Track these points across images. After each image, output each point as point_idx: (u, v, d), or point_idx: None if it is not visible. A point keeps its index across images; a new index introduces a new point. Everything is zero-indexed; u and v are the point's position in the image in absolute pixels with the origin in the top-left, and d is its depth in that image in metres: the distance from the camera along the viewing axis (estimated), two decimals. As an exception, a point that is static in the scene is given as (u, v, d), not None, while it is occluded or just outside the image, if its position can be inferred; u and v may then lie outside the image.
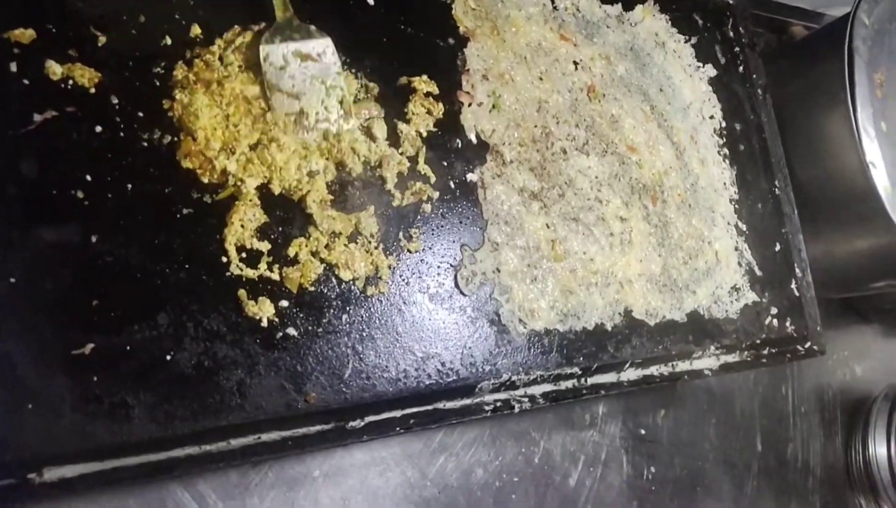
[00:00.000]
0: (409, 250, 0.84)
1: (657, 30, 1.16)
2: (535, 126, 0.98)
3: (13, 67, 0.69)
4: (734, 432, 1.30)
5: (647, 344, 0.98)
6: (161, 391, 0.68)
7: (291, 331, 0.75)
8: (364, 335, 0.79)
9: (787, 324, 1.17)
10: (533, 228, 0.93)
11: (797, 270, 1.20)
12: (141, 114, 0.73)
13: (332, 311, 0.78)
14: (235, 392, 0.71)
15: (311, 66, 0.78)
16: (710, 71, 1.21)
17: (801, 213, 1.23)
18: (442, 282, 0.86)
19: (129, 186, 0.71)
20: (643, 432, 1.17)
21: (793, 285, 1.19)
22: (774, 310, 1.15)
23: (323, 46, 0.81)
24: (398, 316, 0.82)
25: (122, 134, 0.72)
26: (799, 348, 1.17)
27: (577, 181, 0.99)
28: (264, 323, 0.74)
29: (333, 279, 0.79)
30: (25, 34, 0.70)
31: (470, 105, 0.93)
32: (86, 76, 0.71)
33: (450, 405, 0.83)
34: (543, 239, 0.93)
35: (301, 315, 0.76)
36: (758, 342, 1.12)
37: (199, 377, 0.70)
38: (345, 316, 0.79)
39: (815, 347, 1.18)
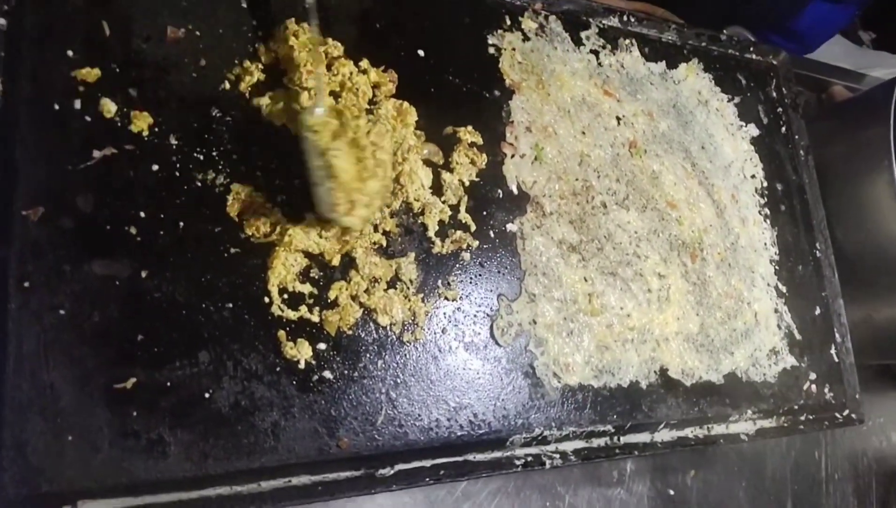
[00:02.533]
0: (446, 298, 0.84)
1: (700, 88, 1.17)
2: (577, 179, 0.98)
3: (77, 104, 0.71)
4: (765, 496, 1.26)
5: (682, 405, 0.96)
6: (198, 430, 0.68)
7: (328, 374, 0.76)
8: (398, 381, 0.79)
9: (826, 390, 1.14)
10: (570, 281, 0.93)
11: (837, 335, 1.17)
12: (197, 154, 0.75)
13: (368, 356, 0.78)
14: (270, 434, 0.71)
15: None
16: (753, 130, 1.21)
17: (841, 277, 1.21)
18: (478, 331, 0.85)
19: (181, 224, 0.73)
20: (672, 492, 1.14)
21: (832, 351, 1.17)
22: (813, 375, 1.13)
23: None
24: (433, 364, 0.82)
25: (177, 173, 0.73)
26: (837, 415, 1.14)
27: (617, 236, 0.98)
28: (301, 365, 0.74)
29: (371, 324, 0.79)
30: (91, 73, 0.72)
31: (513, 156, 0.94)
32: (140, 122, 0.73)
33: (480, 457, 0.82)
34: (581, 292, 0.93)
35: (338, 359, 0.77)
36: (795, 407, 1.09)
37: (235, 417, 0.70)
38: (380, 362, 0.79)
39: (853, 415, 1.15)
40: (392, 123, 0.85)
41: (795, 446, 1.32)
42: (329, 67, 0.82)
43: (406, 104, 0.87)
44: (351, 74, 0.83)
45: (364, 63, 0.84)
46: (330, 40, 0.84)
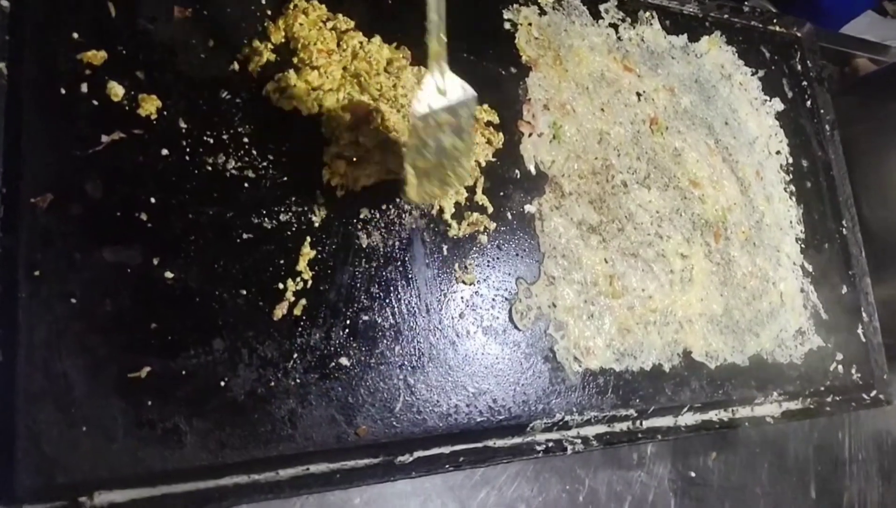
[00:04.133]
0: (463, 282, 0.83)
1: (723, 62, 1.13)
2: (596, 158, 0.95)
3: (84, 88, 0.70)
4: (787, 477, 1.24)
5: (706, 388, 0.94)
6: (214, 418, 0.67)
7: (344, 361, 0.74)
8: (416, 367, 0.78)
9: (853, 371, 1.11)
10: (591, 262, 0.90)
11: (864, 314, 1.14)
12: (207, 138, 0.73)
13: (385, 341, 0.77)
14: (287, 422, 0.70)
15: (447, 132, 0.69)
16: (778, 105, 1.17)
17: (869, 255, 1.18)
18: (496, 316, 0.84)
19: (192, 209, 0.71)
20: (693, 474, 1.12)
21: (859, 330, 1.14)
22: (840, 356, 1.10)
23: (467, 99, 0.69)
24: (451, 349, 0.80)
25: (187, 158, 0.72)
26: (864, 396, 1.11)
27: (638, 216, 0.96)
28: (317, 352, 0.73)
29: (387, 309, 0.78)
30: (97, 56, 0.71)
31: (530, 135, 0.91)
32: (148, 105, 0.71)
33: (500, 443, 0.81)
34: (601, 274, 0.91)
35: (354, 345, 0.75)
36: (822, 389, 1.06)
37: (251, 405, 0.69)
38: (397, 347, 0.77)
39: (881, 396, 1.12)
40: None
41: (818, 426, 1.30)
42: (338, 44, 0.80)
43: (424, 69, 0.84)
44: (361, 43, 0.81)
45: (376, 39, 0.82)
46: (340, 16, 0.81)
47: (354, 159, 0.76)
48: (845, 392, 1.09)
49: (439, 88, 0.66)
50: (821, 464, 1.28)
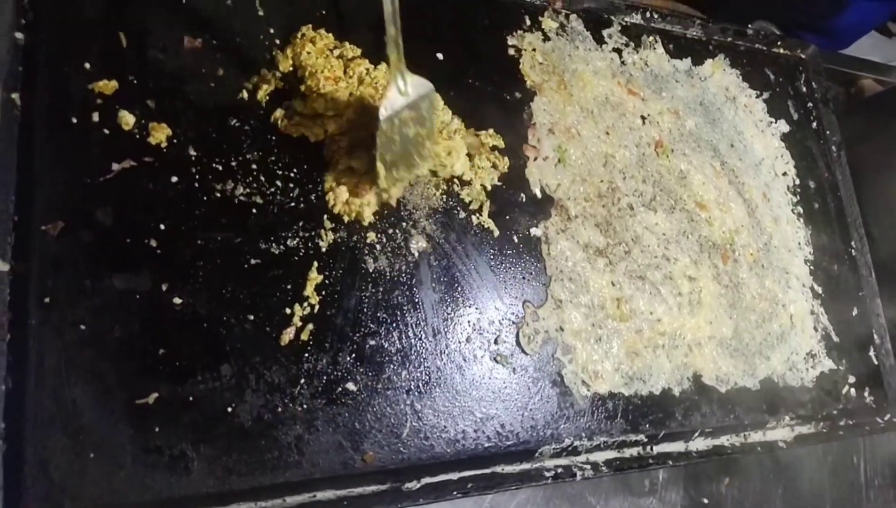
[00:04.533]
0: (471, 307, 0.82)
1: (728, 84, 1.14)
2: (602, 181, 0.96)
3: (95, 116, 0.71)
4: (802, 503, 1.22)
5: (717, 412, 0.93)
6: (221, 445, 0.67)
7: (351, 386, 0.74)
8: (423, 392, 0.77)
9: (866, 394, 1.10)
10: (598, 285, 0.90)
11: (875, 336, 1.13)
12: (216, 165, 0.74)
13: (391, 366, 0.77)
14: (293, 448, 0.70)
15: (411, 125, 0.76)
16: (783, 127, 1.17)
17: (878, 276, 1.17)
18: (504, 340, 0.83)
19: (201, 235, 0.72)
20: (706, 501, 1.10)
21: (871, 353, 1.12)
22: (852, 379, 1.09)
23: (425, 93, 0.77)
24: (458, 374, 0.80)
25: (196, 185, 0.73)
26: (878, 420, 1.09)
27: (644, 238, 0.96)
28: (324, 378, 0.73)
29: (394, 333, 0.78)
30: (109, 85, 0.72)
31: (535, 159, 0.92)
32: (159, 133, 0.72)
33: (508, 469, 0.80)
34: (609, 297, 0.90)
35: (361, 370, 0.75)
36: (834, 412, 1.05)
37: (258, 431, 0.69)
38: (404, 372, 0.77)
39: (895, 419, 1.10)
40: None
41: (833, 451, 1.27)
42: (345, 71, 0.81)
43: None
44: (367, 70, 0.82)
45: (383, 67, 0.83)
46: (347, 44, 0.82)
47: (356, 185, 0.77)
48: (858, 416, 1.08)
49: (401, 91, 0.73)
50: (836, 489, 1.26)
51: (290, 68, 0.80)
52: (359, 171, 0.78)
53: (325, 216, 0.78)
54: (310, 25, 0.81)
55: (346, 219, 0.78)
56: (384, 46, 0.82)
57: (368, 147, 0.76)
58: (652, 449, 0.88)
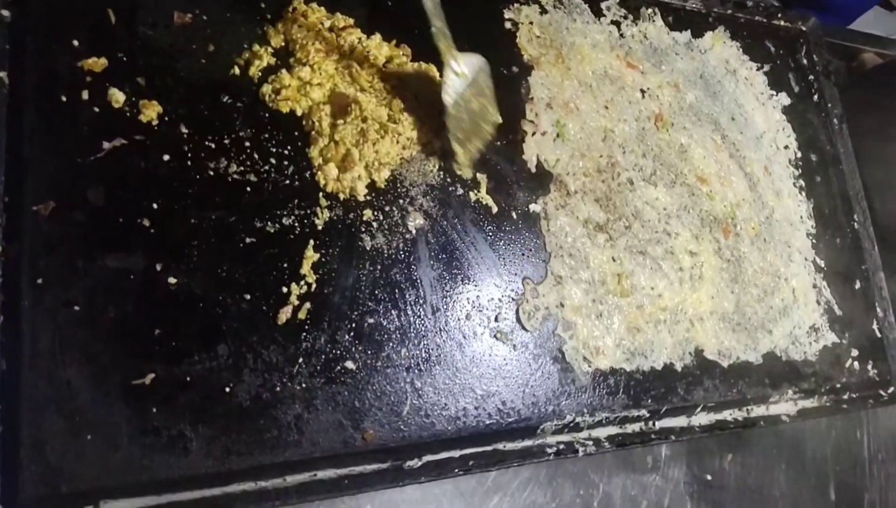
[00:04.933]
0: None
1: (728, 57, 1.12)
2: (601, 156, 0.94)
3: (84, 95, 0.70)
4: (805, 478, 1.21)
5: (720, 387, 0.93)
6: (219, 425, 0.67)
7: (350, 364, 0.73)
8: (423, 370, 0.77)
9: (869, 367, 1.09)
10: (598, 261, 0.89)
11: (878, 309, 1.12)
12: (209, 143, 0.73)
13: (391, 344, 0.76)
14: (293, 427, 0.69)
15: (474, 100, 0.81)
16: (784, 99, 1.16)
17: (881, 249, 1.16)
18: (504, 316, 0.82)
19: (195, 214, 0.71)
20: (709, 477, 1.10)
21: (874, 326, 1.12)
22: (855, 352, 1.08)
23: (480, 66, 0.82)
24: (458, 351, 0.79)
25: (189, 163, 0.71)
26: (882, 393, 1.09)
27: (645, 213, 0.95)
28: (323, 356, 0.72)
29: (393, 311, 0.77)
30: (98, 63, 0.71)
31: (534, 134, 0.90)
32: (149, 111, 0.71)
33: (510, 446, 0.79)
34: (609, 273, 0.89)
35: (360, 348, 0.74)
36: (838, 386, 1.04)
37: (257, 411, 0.68)
38: (403, 350, 0.76)
39: (898, 393, 1.10)
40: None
41: (836, 425, 1.27)
42: (337, 40, 0.80)
43: (425, 64, 0.85)
44: (360, 39, 0.81)
45: (376, 37, 0.81)
46: (339, 14, 0.81)
47: (343, 160, 0.76)
48: (862, 389, 1.07)
49: (457, 73, 0.78)
50: (840, 464, 1.26)
51: (282, 43, 0.78)
52: (343, 143, 0.76)
53: (321, 194, 0.76)
54: (301, -1, 0.80)
55: (341, 197, 0.77)
56: (378, 20, 0.81)
57: (352, 116, 0.75)
58: (654, 425, 0.88)
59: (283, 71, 0.77)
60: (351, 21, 0.81)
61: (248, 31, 0.78)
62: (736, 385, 0.94)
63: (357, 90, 0.78)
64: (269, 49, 0.78)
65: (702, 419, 0.91)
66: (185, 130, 0.72)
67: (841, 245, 1.13)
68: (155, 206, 0.69)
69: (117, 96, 0.70)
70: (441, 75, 0.79)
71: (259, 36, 0.78)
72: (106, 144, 0.69)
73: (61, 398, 0.62)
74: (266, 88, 0.76)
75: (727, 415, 0.93)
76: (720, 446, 1.11)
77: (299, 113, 0.77)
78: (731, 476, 1.12)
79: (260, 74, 0.77)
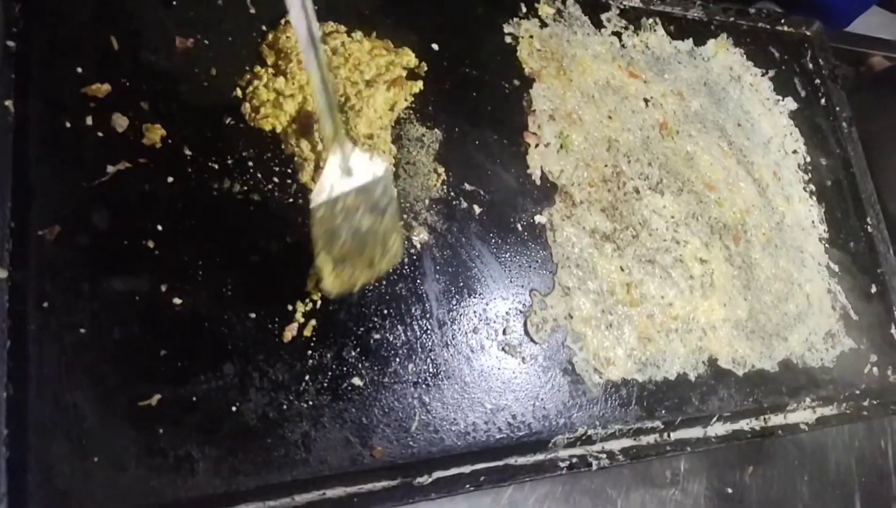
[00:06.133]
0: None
1: (732, 64, 1.12)
2: (606, 165, 0.94)
3: (89, 120, 0.71)
4: (830, 490, 1.19)
5: (735, 396, 0.91)
6: (226, 445, 0.66)
7: (357, 381, 0.73)
8: (431, 385, 0.76)
9: (889, 373, 1.07)
10: (606, 271, 0.88)
11: (896, 313, 1.11)
12: (212, 164, 0.73)
13: (398, 360, 0.75)
14: (300, 446, 0.69)
15: (362, 213, 0.65)
16: (791, 104, 1.15)
17: (898, 252, 1.14)
18: (512, 329, 0.82)
19: (199, 235, 0.71)
20: (730, 490, 1.08)
21: (892, 330, 1.10)
22: (874, 357, 1.06)
23: (380, 178, 0.66)
24: (466, 365, 0.78)
25: (193, 184, 0.72)
26: (904, 399, 1.07)
27: (652, 222, 0.94)
28: (329, 373, 0.72)
29: (399, 326, 0.76)
30: (101, 89, 0.71)
31: (537, 146, 0.90)
32: (153, 134, 0.72)
33: (522, 460, 0.78)
34: (618, 283, 0.88)
35: (367, 364, 0.74)
36: (857, 392, 1.02)
37: (264, 430, 0.68)
38: (411, 365, 0.76)
39: (921, 398, 1.08)
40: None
41: (859, 435, 1.24)
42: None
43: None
44: (343, 43, 0.81)
45: (357, 34, 0.82)
46: (330, 22, 0.82)
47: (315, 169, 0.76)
48: (882, 396, 1.05)
49: (342, 170, 0.64)
50: (864, 476, 1.23)
51: (276, 60, 0.79)
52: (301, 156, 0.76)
53: (325, 211, 0.76)
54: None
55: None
56: (366, 20, 0.80)
57: (317, 135, 0.74)
58: (669, 436, 0.86)
59: (260, 86, 0.77)
60: (342, 27, 0.82)
61: (248, 54, 0.79)
62: (752, 394, 0.93)
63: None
64: (270, 70, 0.78)
65: (718, 429, 0.90)
66: (188, 152, 0.73)
67: (855, 249, 1.11)
68: (160, 228, 0.70)
69: (121, 121, 0.71)
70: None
71: (259, 58, 0.79)
72: (110, 168, 0.70)
73: (68, 421, 0.62)
74: (245, 108, 0.76)
75: (744, 425, 0.91)
76: (740, 458, 1.09)
77: (279, 130, 0.77)
78: (753, 490, 1.09)
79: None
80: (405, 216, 0.80)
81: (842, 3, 1.48)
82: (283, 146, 0.77)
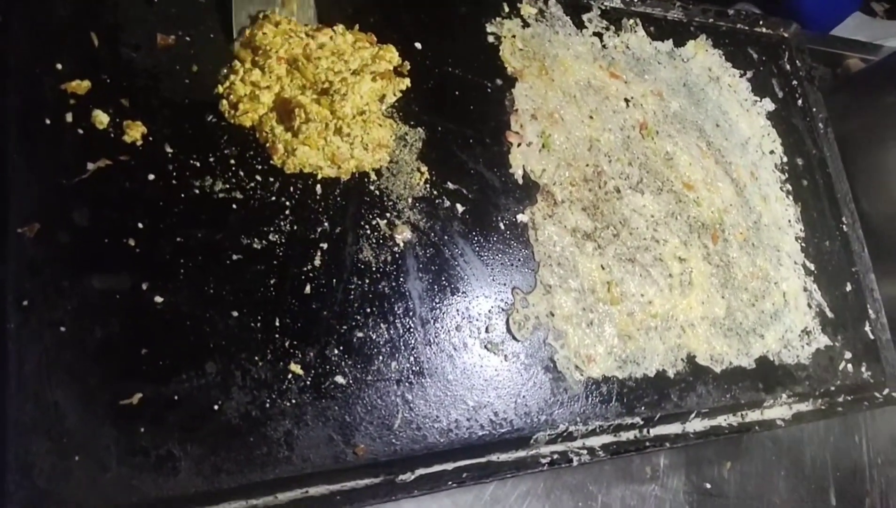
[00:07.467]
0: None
1: (710, 65, 1.13)
2: (587, 165, 0.95)
3: (69, 117, 0.70)
4: (805, 484, 1.21)
5: (713, 392, 0.93)
6: (208, 443, 0.66)
7: (339, 379, 0.73)
8: (413, 383, 0.76)
9: (863, 369, 1.09)
10: (587, 269, 0.89)
11: (870, 311, 1.13)
12: (193, 162, 0.73)
13: (380, 358, 0.76)
14: (283, 444, 0.69)
15: None
16: (768, 105, 1.17)
17: (871, 250, 1.16)
18: (493, 327, 0.82)
19: (181, 232, 0.71)
20: (708, 485, 1.09)
21: (867, 328, 1.12)
22: (848, 354, 1.08)
23: None
24: (448, 363, 0.79)
25: (174, 182, 0.72)
26: (877, 395, 1.09)
27: (633, 221, 0.95)
28: (312, 372, 0.72)
29: (382, 324, 0.77)
30: (81, 85, 0.71)
31: (519, 145, 0.91)
32: (134, 131, 0.71)
33: (504, 457, 0.79)
34: (598, 281, 0.89)
35: (349, 362, 0.74)
36: (832, 389, 1.04)
37: (246, 428, 0.68)
38: (393, 363, 0.76)
39: (893, 394, 1.10)
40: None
41: (834, 430, 1.27)
42: (306, 46, 0.80)
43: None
44: (332, 37, 0.81)
45: (339, 27, 0.82)
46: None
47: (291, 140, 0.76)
48: (857, 391, 1.07)
49: None
50: (839, 470, 1.25)
51: (251, 56, 0.78)
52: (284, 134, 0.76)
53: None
54: (275, 10, 0.80)
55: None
56: (350, 19, 0.80)
57: (298, 121, 0.75)
58: (648, 432, 0.87)
59: (237, 81, 0.76)
60: (327, 29, 0.82)
61: (230, 50, 0.79)
62: (729, 391, 0.94)
63: (299, 88, 0.78)
64: (247, 65, 0.78)
65: (696, 425, 0.91)
66: (169, 150, 0.73)
67: (830, 248, 1.14)
68: (140, 225, 0.69)
69: (101, 118, 0.70)
70: None
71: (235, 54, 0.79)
72: (90, 165, 0.69)
73: (49, 419, 0.62)
74: (224, 105, 0.76)
75: (721, 421, 0.93)
76: (719, 454, 1.11)
77: (254, 125, 0.77)
78: (731, 485, 1.11)
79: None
80: (388, 215, 0.81)
81: (822, 10, 1.50)
82: (257, 135, 0.77)
